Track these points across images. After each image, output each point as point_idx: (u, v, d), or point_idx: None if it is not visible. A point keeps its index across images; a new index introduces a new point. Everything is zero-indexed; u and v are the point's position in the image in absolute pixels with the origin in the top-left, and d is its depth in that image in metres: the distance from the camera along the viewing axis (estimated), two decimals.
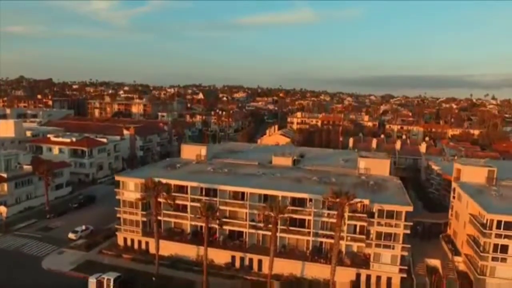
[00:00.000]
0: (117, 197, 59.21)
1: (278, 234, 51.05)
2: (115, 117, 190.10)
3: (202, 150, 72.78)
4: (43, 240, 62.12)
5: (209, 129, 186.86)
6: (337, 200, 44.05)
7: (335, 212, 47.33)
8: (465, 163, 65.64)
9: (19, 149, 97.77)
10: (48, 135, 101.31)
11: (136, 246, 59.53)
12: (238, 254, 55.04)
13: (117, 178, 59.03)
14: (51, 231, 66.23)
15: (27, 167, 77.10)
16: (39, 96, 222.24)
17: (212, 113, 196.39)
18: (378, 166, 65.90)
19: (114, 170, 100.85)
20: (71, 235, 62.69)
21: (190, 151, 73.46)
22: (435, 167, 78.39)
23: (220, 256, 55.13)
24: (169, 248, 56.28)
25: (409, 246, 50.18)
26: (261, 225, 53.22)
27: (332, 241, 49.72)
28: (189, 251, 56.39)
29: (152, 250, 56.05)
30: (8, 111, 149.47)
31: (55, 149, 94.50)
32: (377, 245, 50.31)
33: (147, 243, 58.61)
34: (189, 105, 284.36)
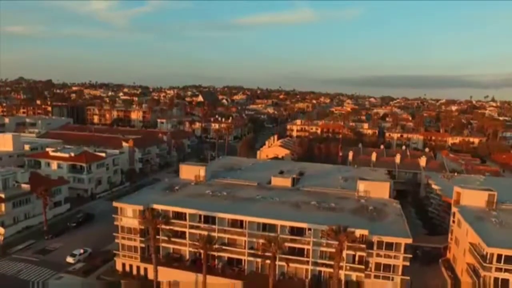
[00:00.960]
0: (115, 222, 58.92)
1: (277, 263, 50.79)
2: (114, 124, 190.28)
3: (201, 170, 72.45)
4: (41, 264, 61.61)
5: (208, 136, 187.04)
6: (337, 236, 43.70)
7: (334, 242, 47.22)
8: (465, 186, 65.12)
9: (18, 163, 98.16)
10: (47, 149, 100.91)
11: (134, 271, 59.13)
12: (237, 282, 54.71)
13: (115, 204, 58.67)
14: (49, 254, 65.72)
15: (25, 186, 76.61)
16: (38, 102, 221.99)
17: (212, 119, 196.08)
18: (378, 189, 65.60)
19: (113, 184, 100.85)
20: (69, 259, 62.28)
21: (189, 171, 73.10)
22: (434, 186, 78.07)
23: (219, 284, 54.79)
24: (167, 275, 55.96)
25: (408, 278, 49.87)
26: (260, 253, 53.11)
27: (331, 270, 49.60)
28: (187, 278, 56.03)
29: (151, 276, 55.93)
30: (6, 120, 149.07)
31: (54, 164, 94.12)
32: (376, 276, 50.08)
33: (145, 269, 58.25)
34: (188, 109, 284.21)
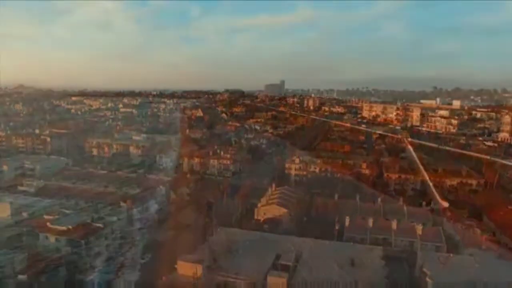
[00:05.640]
0: None
1: None
2: (113, 158, 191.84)
3: (198, 269, 73.26)
4: None
5: (207, 172, 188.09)
6: None
7: None
8: None
9: (15, 232, 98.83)
10: (45, 217, 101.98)
11: None
12: None
13: None
14: None
15: (22, 277, 77.03)
16: (37, 131, 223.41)
17: (211, 153, 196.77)
18: None
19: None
20: None
21: (186, 269, 73.94)
22: (429, 280, 78.25)
23: None
24: None
25: None
26: None
27: None
28: None
29: None
30: (5, 167, 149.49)
31: (52, 238, 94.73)
32: None
33: None
34: (187, 131, 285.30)
